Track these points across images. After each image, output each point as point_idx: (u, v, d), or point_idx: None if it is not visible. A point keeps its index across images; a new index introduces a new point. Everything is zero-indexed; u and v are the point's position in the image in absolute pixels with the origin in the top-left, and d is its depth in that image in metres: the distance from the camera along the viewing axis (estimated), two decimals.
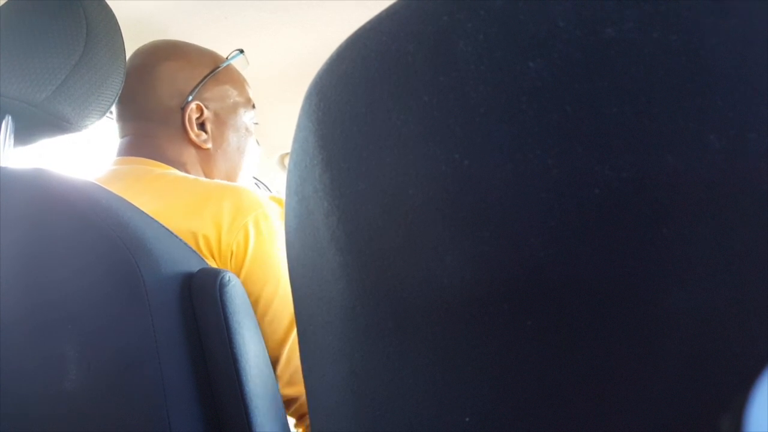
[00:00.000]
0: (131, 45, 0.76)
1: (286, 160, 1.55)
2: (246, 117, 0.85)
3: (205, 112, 0.80)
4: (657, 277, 0.19)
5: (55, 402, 0.50)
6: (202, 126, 0.80)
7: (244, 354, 0.54)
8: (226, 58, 0.86)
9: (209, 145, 0.80)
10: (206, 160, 0.81)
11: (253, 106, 0.87)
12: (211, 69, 0.82)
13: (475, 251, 0.21)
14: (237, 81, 0.85)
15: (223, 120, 0.82)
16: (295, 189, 0.28)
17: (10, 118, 0.61)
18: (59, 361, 0.50)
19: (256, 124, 0.89)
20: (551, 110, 0.20)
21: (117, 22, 0.66)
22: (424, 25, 0.22)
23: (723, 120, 0.18)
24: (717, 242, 0.18)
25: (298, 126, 0.28)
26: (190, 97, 0.78)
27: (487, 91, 0.21)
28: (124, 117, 0.80)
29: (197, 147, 0.80)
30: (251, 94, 0.88)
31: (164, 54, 0.79)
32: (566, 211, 0.19)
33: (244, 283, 0.64)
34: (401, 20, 0.23)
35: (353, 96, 0.24)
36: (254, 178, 1.57)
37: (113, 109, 0.75)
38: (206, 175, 0.81)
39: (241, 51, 0.87)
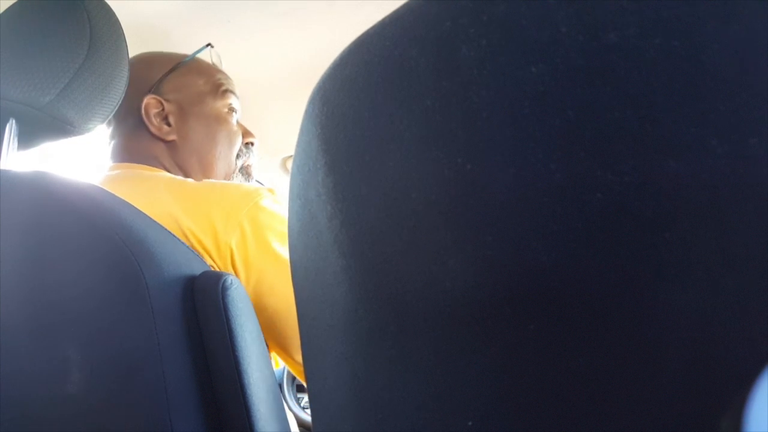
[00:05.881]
0: (134, 48, 0.77)
1: (289, 163, 1.55)
2: (217, 104, 0.85)
3: (166, 105, 0.82)
4: (659, 280, 0.19)
5: (57, 405, 0.50)
6: (166, 120, 0.82)
7: (246, 357, 0.54)
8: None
9: (173, 137, 0.82)
10: (175, 152, 0.83)
11: (225, 92, 0.85)
12: (173, 66, 0.83)
13: (478, 255, 0.21)
14: (203, 72, 0.86)
15: (186, 110, 0.83)
16: (298, 192, 0.28)
17: (13, 121, 0.61)
18: (61, 364, 0.50)
19: (234, 111, 0.88)
20: (553, 115, 0.20)
21: (120, 26, 0.67)
22: (427, 31, 0.22)
23: (725, 125, 0.18)
24: (719, 246, 0.18)
25: (301, 130, 0.28)
26: (148, 94, 0.81)
27: (489, 96, 0.21)
28: (108, 122, 0.84)
29: (163, 140, 0.82)
30: (232, 86, 0.87)
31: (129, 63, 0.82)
32: (569, 216, 0.19)
33: (257, 281, 0.64)
34: (404, 25, 0.23)
35: (356, 100, 0.24)
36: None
37: None
38: (179, 166, 0.83)
39: (210, 45, 0.89)
